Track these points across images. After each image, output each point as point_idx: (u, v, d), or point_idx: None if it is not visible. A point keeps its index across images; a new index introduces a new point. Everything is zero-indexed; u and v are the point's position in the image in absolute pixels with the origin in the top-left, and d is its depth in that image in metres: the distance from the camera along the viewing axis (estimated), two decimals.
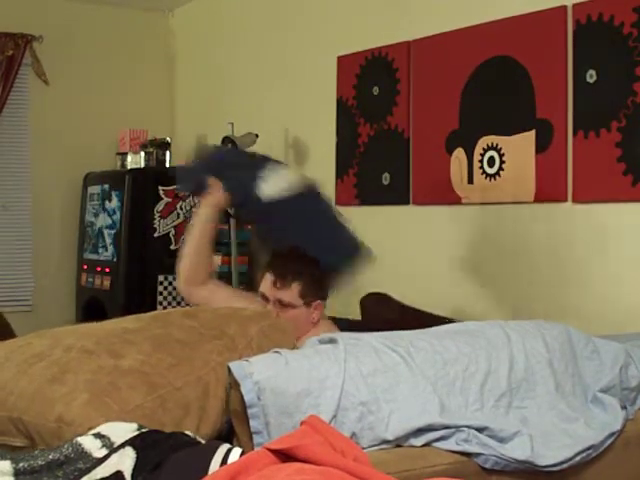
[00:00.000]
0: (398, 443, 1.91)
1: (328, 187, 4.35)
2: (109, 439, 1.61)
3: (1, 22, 5.17)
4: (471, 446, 1.93)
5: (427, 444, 1.93)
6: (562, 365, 2.22)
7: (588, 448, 2.06)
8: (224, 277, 4.79)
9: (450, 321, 2.87)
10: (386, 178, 4.01)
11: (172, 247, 4.91)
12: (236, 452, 1.55)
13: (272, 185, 2.86)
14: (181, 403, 1.88)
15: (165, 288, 4.85)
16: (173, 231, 4.92)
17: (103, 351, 1.96)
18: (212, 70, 5.41)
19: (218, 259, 4.86)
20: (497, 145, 3.49)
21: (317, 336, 2.17)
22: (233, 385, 1.87)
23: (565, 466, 2.00)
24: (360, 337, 2.09)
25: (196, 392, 1.92)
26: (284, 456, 1.48)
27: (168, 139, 5.34)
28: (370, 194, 4.12)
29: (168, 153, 5.28)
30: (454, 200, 3.67)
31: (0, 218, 5.32)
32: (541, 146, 3.31)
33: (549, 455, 1.98)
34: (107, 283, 4.96)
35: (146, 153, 5.28)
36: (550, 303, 3.27)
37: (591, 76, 3.13)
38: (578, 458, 2.03)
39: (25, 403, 1.84)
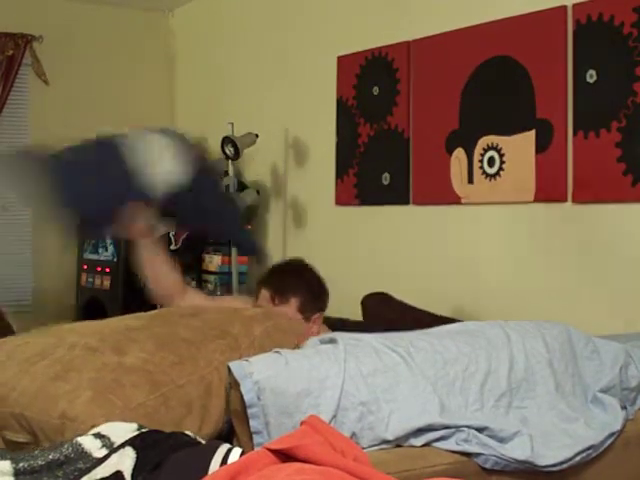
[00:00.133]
0: (398, 443, 1.91)
1: (328, 187, 4.37)
2: (109, 439, 1.61)
3: (1, 22, 5.17)
4: (471, 446, 1.93)
5: (427, 444, 1.93)
6: (562, 365, 2.22)
7: (588, 448, 2.06)
8: (224, 277, 4.81)
9: (452, 321, 2.87)
10: (386, 178, 4.01)
11: (172, 247, 4.91)
12: (236, 452, 1.55)
13: (161, 172, 2.50)
14: (183, 401, 1.89)
15: None
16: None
17: (107, 348, 1.97)
18: (212, 70, 5.42)
19: (218, 259, 4.87)
20: (497, 145, 3.49)
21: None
22: (233, 385, 1.87)
23: (565, 466, 2.00)
24: (360, 337, 2.09)
25: (199, 391, 1.92)
26: (284, 456, 1.48)
27: None
28: (370, 194, 4.12)
29: None
30: (454, 200, 3.68)
31: (0, 218, 5.31)
32: (541, 146, 3.31)
33: (549, 455, 1.98)
34: (107, 283, 4.96)
35: None
36: (550, 303, 3.27)
37: (591, 76, 3.13)
38: (578, 458, 2.03)
39: (28, 400, 1.85)
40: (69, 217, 2.49)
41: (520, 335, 2.23)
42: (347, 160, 4.23)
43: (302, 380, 1.88)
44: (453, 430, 1.94)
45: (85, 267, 5.20)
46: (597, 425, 2.13)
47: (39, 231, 5.40)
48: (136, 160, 2.51)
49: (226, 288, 4.80)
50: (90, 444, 1.59)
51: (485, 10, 3.54)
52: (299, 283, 2.73)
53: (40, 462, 1.56)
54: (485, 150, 3.54)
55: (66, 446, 1.59)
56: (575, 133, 3.19)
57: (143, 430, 1.65)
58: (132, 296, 4.87)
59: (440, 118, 3.74)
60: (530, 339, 2.23)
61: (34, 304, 5.37)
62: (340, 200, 4.29)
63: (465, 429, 1.95)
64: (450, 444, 1.93)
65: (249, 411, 1.83)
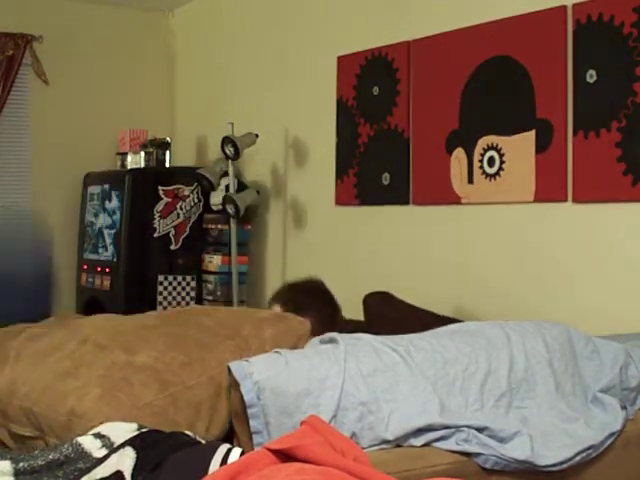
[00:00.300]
0: (398, 443, 1.92)
1: (328, 187, 4.37)
2: (109, 439, 1.61)
3: (1, 22, 5.17)
4: (471, 446, 1.93)
5: (427, 444, 1.93)
6: (562, 365, 2.22)
7: (588, 448, 2.06)
8: (224, 277, 4.81)
9: (453, 320, 2.87)
10: (386, 178, 4.01)
11: (172, 247, 4.91)
12: (236, 452, 1.55)
13: None
14: (192, 402, 1.88)
15: (165, 288, 4.85)
16: (173, 231, 4.92)
17: (117, 347, 1.97)
18: (212, 70, 5.42)
19: (218, 259, 4.87)
20: (497, 145, 3.49)
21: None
22: (233, 385, 1.87)
23: (565, 466, 2.00)
24: (360, 337, 2.10)
25: (208, 392, 1.92)
26: (284, 456, 1.48)
27: (168, 139, 5.34)
28: (370, 194, 4.12)
29: (168, 153, 5.28)
30: (454, 200, 3.68)
31: (0, 218, 5.31)
32: (541, 146, 3.31)
33: (549, 455, 1.98)
34: (107, 283, 4.96)
35: (146, 153, 5.28)
36: (550, 303, 3.28)
37: (591, 76, 3.13)
38: (578, 458, 2.03)
39: (37, 395, 1.86)
40: None
41: (520, 335, 2.23)
42: (347, 160, 4.23)
43: (302, 380, 1.88)
44: (453, 430, 1.94)
45: (85, 267, 5.20)
46: (597, 425, 2.14)
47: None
48: None
49: (226, 288, 4.80)
50: (90, 444, 1.59)
51: (485, 10, 3.54)
52: (314, 304, 2.69)
53: (40, 462, 1.56)
54: (485, 150, 3.54)
55: (66, 446, 1.59)
56: (575, 133, 3.19)
57: (143, 430, 1.65)
58: (132, 296, 4.88)
59: (440, 118, 3.74)
60: (530, 339, 2.23)
61: None
62: (340, 200, 4.29)
63: (465, 429, 1.95)
64: (450, 444, 1.93)
65: (249, 411, 1.83)
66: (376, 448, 1.89)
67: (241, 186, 4.75)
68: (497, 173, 3.49)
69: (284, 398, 1.84)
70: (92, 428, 1.67)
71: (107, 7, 5.58)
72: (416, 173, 3.88)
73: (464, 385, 2.05)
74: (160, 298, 4.84)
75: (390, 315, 3.34)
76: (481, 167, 3.56)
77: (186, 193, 4.94)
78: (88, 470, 1.54)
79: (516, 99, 3.41)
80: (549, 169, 3.28)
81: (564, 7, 3.23)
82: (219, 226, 4.87)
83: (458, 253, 3.68)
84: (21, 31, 5.24)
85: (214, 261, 4.88)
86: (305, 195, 4.60)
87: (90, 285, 5.12)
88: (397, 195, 3.96)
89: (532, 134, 3.34)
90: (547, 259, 3.32)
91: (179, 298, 4.87)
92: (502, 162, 3.47)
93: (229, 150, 4.48)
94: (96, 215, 5.14)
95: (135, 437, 1.61)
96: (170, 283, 4.86)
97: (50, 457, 1.57)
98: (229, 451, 1.55)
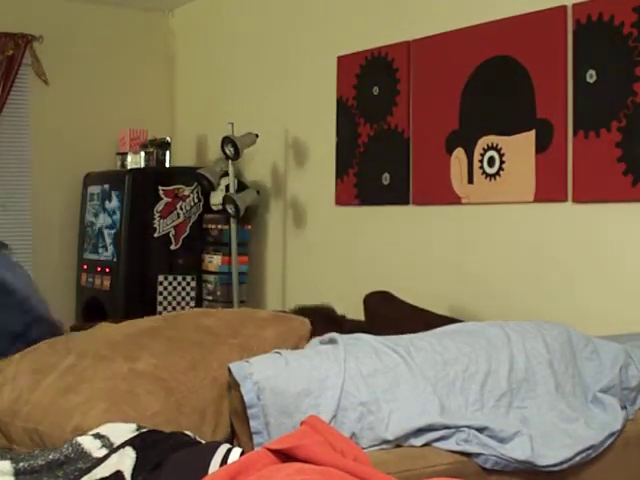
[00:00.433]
0: (398, 443, 1.91)
1: (328, 187, 4.37)
2: (109, 439, 1.61)
3: (1, 22, 5.17)
4: (471, 446, 1.93)
5: (427, 444, 1.93)
6: (562, 365, 2.22)
7: (588, 448, 2.06)
8: (224, 277, 4.81)
9: (453, 320, 2.87)
10: (386, 178, 4.01)
11: (172, 247, 4.91)
12: (236, 452, 1.55)
13: None
14: (197, 407, 1.87)
15: (165, 288, 4.85)
16: (173, 231, 4.92)
17: (118, 356, 1.94)
18: (212, 70, 5.42)
19: (218, 259, 4.87)
20: (497, 145, 3.49)
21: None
22: (233, 385, 1.87)
23: (565, 466, 2.00)
24: (360, 337, 2.10)
25: (212, 394, 1.91)
26: (284, 456, 1.48)
27: (168, 139, 5.34)
28: (370, 194, 4.12)
29: (168, 153, 5.28)
30: (454, 200, 3.68)
31: (0, 218, 5.32)
32: (541, 146, 3.31)
33: (549, 455, 1.98)
34: (107, 283, 4.96)
35: (146, 153, 5.28)
36: (550, 303, 3.28)
37: (591, 76, 3.13)
38: (578, 458, 2.03)
39: (40, 413, 1.83)
40: None
41: (520, 335, 2.23)
42: (347, 160, 4.23)
43: (302, 380, 1.87)
44: (453, 430, 1.94)
45: (85, 267, 5.21)
46: (597, 425, 2.14)
47: (39, 231, 5.41)
48: None
49: (226, 288, 4.80)
50: (90, 444, 1.59)
51: (485, 10, 3.54)
52: (324, 330, 2.68)
53: (40, 462, 1.56)
54: (485, 150, 3.54)
55: (66, 446, 1.59)
56: (575, 133, 3.19)
57: (143, 430, 1.65)
58: (132, 296, 4.88)
59: (440, 118, 3.74)
60: (530, 339, 2.23)
61: None
62: (340, 200, 4.29)
63: (465, 429, 1.95)
64: (450, 444, 1.93)
65: (249, 411, 1.83)
66: (376, 448, 1.89)
67: (241, 186, 4.75)
68: (497, 173, 3.49)
69: (284, 398, 1.84)
70: None
71: (107, 7, 5.58)
72: (416, 173, 3.88)
73: (464, 385, 2.05)
74: (160, 298, 4.84)
75: (390, 315, 3.35)
76: (481, 167, 3.56)
77: (186, 193, 4.94)
78: (88, 470, 1.54)
79: (516, 99, 3.41)
80: (549, 169, 3.28)
81: (564, 7, 3.23)
82: (219, 226, 4.87)
83: (458, 253, 3.69)
84: (21, 31, 5.24)
85: (214, 261, 4.88)
86: (305, 195, 4.60)
87: (90, 285, 5.12)
88: (397, 195, 3.96)
89: (532, 134, 3.34)
90: (547, 259, 3.32)
91: (179, 298, 4.87)
92: (502, 162, 3.47)
93: (229, 150, 4.48)
94: (96, 215, 5.14)
95: (135, 437, 1.61)
96: (170, 283, 4.86)
97: (50, 457, 1.57)
98: (229, 451, 1.55)
